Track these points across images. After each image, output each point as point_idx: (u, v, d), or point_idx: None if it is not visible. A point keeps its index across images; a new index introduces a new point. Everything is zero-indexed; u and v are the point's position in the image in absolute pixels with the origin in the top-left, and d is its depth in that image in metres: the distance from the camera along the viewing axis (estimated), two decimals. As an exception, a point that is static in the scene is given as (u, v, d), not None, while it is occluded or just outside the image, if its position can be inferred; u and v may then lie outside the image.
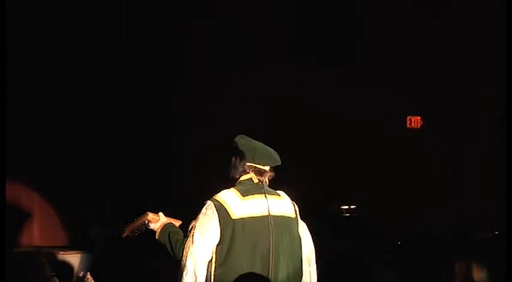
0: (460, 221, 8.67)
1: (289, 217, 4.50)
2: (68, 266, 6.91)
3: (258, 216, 4.38)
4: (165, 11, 9.42)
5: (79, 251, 7.57)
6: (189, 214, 4.58)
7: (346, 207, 8.99)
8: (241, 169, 4.49)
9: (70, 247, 8.12)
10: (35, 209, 9.07)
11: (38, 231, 9.01)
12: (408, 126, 9.54)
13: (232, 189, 4.45)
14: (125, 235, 4.68)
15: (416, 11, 9.39)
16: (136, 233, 4.66)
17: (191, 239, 4.36)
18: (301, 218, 4.60)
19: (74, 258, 7.34)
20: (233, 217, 4.32)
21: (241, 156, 4.49)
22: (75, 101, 9.03)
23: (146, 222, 4.60)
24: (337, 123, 9.29)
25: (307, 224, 4.70)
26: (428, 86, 9.36)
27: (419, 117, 9.52)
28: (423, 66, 9.36)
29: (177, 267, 4.47)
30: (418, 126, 9.54)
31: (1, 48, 7.88)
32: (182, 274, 4.40)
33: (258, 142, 4.60)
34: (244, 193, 4.41)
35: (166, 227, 4.57)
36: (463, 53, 9.15)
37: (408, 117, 9.53)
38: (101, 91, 9.17)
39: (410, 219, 8.52)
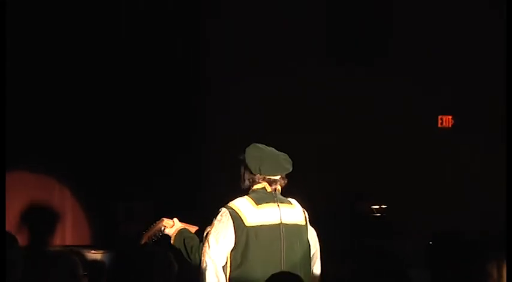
0: (491, 221, 8.60)
1: (300, 225, 4.70)
2: (99, 265, 6.94)
3: (271, 225, 4.57)
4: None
5: (110, 250, 7.61)
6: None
7: (377, 207, 8.97)
8: (251, 180, 4.68)
9: (101, 246, 8.16)
10: (67, 208, 9.14)
11: (70, 231, 9.07)
12: (439, 125, 9.49)
13: (246, 197, 4.64)
14: (143, 242, 4.84)
15: (448, 9, 9.34)
16: (154, 239, 4.82)
17: (207, 244, 4.57)
18: (310, 224, 4.81)
19: (105, 257, 7.38)
20: (247, 224, 4.52)
21: (249, 169, 4.68)
22: (104, 98, 9.08)
23: (162, 228, 4.76)
24: (368, 122, 9.27)
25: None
26: (460, 85, 9.31)
27: (450, 117, 9.47)
28: (455, 65, 9.30)
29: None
30: (449, 126, 9.48)
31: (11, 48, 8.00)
32: (205, 277, 4.58)
33: (268, 151, 4.75)
34: (258, 201, 4.60)
35: (181, 232, 4.74)
36: (497, 52, 9.08)
37: (439, 117, 9.47)
38: (130, 93, 9.22)
39: (440, 219, 8.47)
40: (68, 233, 9.05)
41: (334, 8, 9.57)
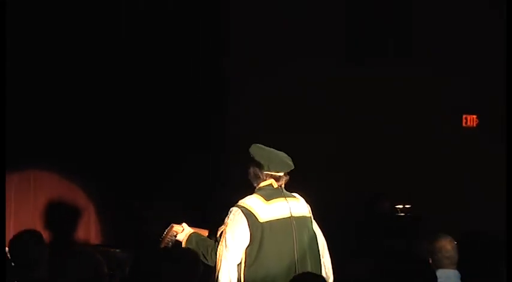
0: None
1: (307, 217, 4.97)
2: (123, 264, 6.97)
3: (283, 218, 4.81)
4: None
5: (134, 250, 7.63)
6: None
7: (401, 206, 8.94)
8: (260, 177, 4.89)
9: (126, 246, 8.19)
10: (92, 207, 9.18)
11: (94, 230, 9.11)
12: (464, 125, 9.45)
13: (255, 195, 4.86)
14: (162, 247, 5.07)
15: (473, 9, 9.31)
16: (170, 244, 5.05)
17: (224, 244, 4.74)
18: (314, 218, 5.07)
19: (128, 256, 7.40)
20: (261, 220, 4.74)
21: (259, 166, 4.89)
22: (126, 99, 9.11)
23: (174, 234, 5.01)
24: (393, 121, 9.25)
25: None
26: (485, 84, 9.26)
27: (475, 116, 9.43)
28: (480, 64, 9.26)
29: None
30: (474, 125, 9.44)
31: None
32: (218, 275, 4.75)
33: (271, 150, 4.97)
34: (268, 198, 4.82)
35: (192, 236, 4.95)
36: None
37: (464, 116, 9.44)
38: (148, 94, 9.25)
39: (465, 219, 8.43)
40: (93, 232, 9.09)
41: (354, 9, 9.58)
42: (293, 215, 4.86)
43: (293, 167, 4.95)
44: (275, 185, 4.90)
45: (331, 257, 5.19)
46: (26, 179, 8.90)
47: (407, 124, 9.27)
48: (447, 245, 4.95)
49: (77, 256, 4.29)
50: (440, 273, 4.69)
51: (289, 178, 5.07)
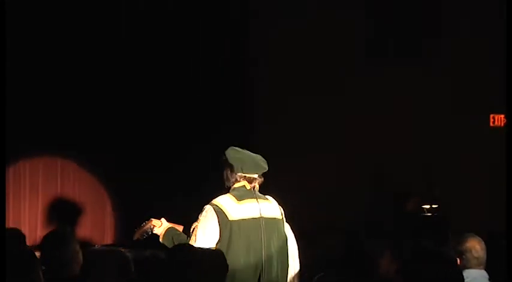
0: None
1: (278, 219, 5.13)
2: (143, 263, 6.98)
3: (252, 218, 5.00)
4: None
5: (152, 250, 7.64)
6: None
7: (428, 206, 8.90)
8: (233, 179, 5.10)
9: (142, 246, 8.21)
10: (108, 207, 9.23)
11: (110, 230, 9.14)
12: (491, 124, 9.39)
13: (228, 194, 5.07)
14: (135, 238, 5.35)
15: (495, 6, 9.25)
16: (144, 236, 5.32)
17: (194, 238, 4.98)
18: (286, 221, 5.24)
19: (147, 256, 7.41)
20: (230, 219, 4.95)
21: (232, 168, 5.10)
22: (154, 105, 9.17)
23: (151, 227, 5.26)
24: (419, 121, 9.22)
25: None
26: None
27: (502, 115, 9.36)
28: (509, 62, 9.18)
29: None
30: (502, 125, 9.38)
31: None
32: None
33: (246, 152, 5.18)
34: (239, 198, 5.03)
35: (169, 231, 5.22)
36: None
37: (491, 115, 9.38)
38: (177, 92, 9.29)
39: (493, 218, 8.36)
40: (110, 232, 9.11)
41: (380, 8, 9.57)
42: (263, 216, 5.04)
43: (266, 169, 5.15)
44: (248, 186, 5.10)
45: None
46: (53, 165, 9.02)
47: (434, 123, 9.23)
48: (476, 246, 4.92)
49: (104, 255, 4.34)
50: (467, 273, 4.66)
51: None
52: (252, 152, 5.23)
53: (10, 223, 8.62)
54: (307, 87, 9.60)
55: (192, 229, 5.04)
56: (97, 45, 9.07)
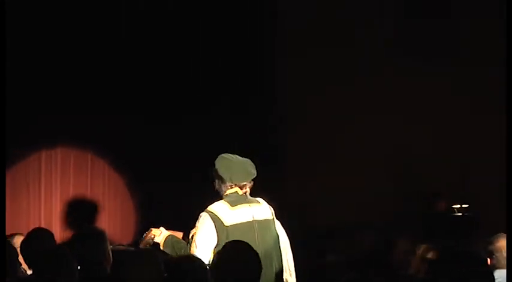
0: None
1: (269, 219, 5.49)
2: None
3: (246, 222, 5.37)
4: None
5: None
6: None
7: (458, 206, 8.86)
8: (225, 188, 5.46)
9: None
10: (133, 207, 9.30)
11: (131, 229, 9.19)
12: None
13: (222, 201, 5.42)
14: (141, 247, 5.60)
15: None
16: (147, 245, 5.58)
17: (194, 244, 5.31)
18: (276, 218, 5.57)
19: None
20: (226, 224, 5.31)
21: (222, 179, 5.46)
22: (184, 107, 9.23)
23: (152, 236, 5.56)
24: (448, 120, 9.17)
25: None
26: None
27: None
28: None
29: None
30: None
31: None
32: None
33: (235, 160, 5.53)
34: (233, 204, 5.39)
35: (168, 239, 5.52)
36: None
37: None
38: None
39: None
40: (135, 232, 9.16)
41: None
42: (255, 219, 5.41)
43: (255, 175, 5.48)
44: (240, 192, 5.45)
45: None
46: (84, 158, 9.12)
47: (464, 122, 9.18)
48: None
49: (141, 256, 4.43)
50: (498, 273, 4.63)
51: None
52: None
53: (42, 215, 8.89)
54: (330, 83, 9.58)
55: (191, 236, 5.38)
56: (123, 41, 9.15)
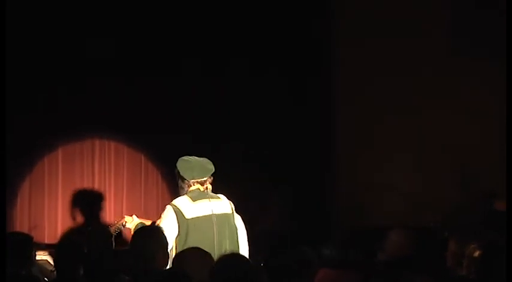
0: None
1: (228, 213, 6.13)
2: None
3: (205, 216, 5.99)
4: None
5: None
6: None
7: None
8: (187, 187, 6.09)
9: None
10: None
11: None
12: None
13: (185, 196, 6.07)
14: (111, 232, 6.17)
15: None
16: (117, 231, 6.26)
17: None
18: (237, 212, 6.21)
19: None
20: (187, 217, 5.93)
21: (183, 179, 6.10)
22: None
23: (124, 223, 6.27)
24: (501, 120, 9.13)
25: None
26: None
27: None
28: None
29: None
30: None
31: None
32: None
33: (194, 160, 6.12)
34: (194, 199, 6.02)
35: (138, 226, 6.16)
36: None
37: None
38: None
39: None
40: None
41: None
42: (214, 213, 6.03)
43: (213, 171, 6.09)
44: (201, 188, 6.10)
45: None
46: (138, 159, 9.30)
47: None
48: None
49: (194, 253, 4.64)
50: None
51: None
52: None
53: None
54: (390, 83, 9.60)
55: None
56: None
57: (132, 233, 5.98)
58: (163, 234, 5.16)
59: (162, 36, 9.39)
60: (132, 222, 6.29)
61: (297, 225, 9.23)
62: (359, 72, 9.61)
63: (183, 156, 6.22)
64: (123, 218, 6.36)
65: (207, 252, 4.73)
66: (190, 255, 4.66)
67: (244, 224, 6.22)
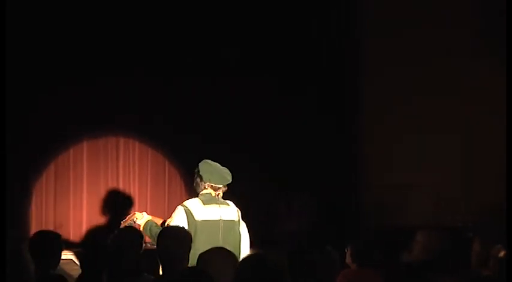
0: None
1: (234, 221, 6.33)
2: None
3: (213, 220, 6.20)
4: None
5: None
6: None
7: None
8: (202, 187, 6.32)
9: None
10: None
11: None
12: None
13: (196, 198, 6.29)
14: (123, 227, 6.26)
15: None
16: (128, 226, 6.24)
17: None
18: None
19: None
20: (196, 219, 6.14)
21: (201, 178, 6.33)
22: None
23: (135, 219, 6.34)
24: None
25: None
26: None
27: None
28: None
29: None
30: None
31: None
32: None
33: (216, 166, 6.32)
34: (205, 202, 6.24)
35: (148, 222, 6.31)
36: None
37: None
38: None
39: None
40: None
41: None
42: (222, 218, 6.24)
43: (230, 181, 6.28)
44: (213, 193, 6.30)
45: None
46: (161, 158, 9.34)
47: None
48: None
49: (220, 254, 4.62)
50: None
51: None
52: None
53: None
54: (425, 86, 9.57)
55: (166, 224, 6.16)
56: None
57: (141, 229, 6.15)
58: (188, 234, 5.21)
59: (195, 37, 9.41)
60: (142, 219, 6.38)
61: (323, 226, 9.23)
62: (385, 73, 9.58)
63: (206, 158, 6.36)
64: (133, 213, 6.47)
65: (231, 252, 4.70)
66: (215, 255, 4.62)
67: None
